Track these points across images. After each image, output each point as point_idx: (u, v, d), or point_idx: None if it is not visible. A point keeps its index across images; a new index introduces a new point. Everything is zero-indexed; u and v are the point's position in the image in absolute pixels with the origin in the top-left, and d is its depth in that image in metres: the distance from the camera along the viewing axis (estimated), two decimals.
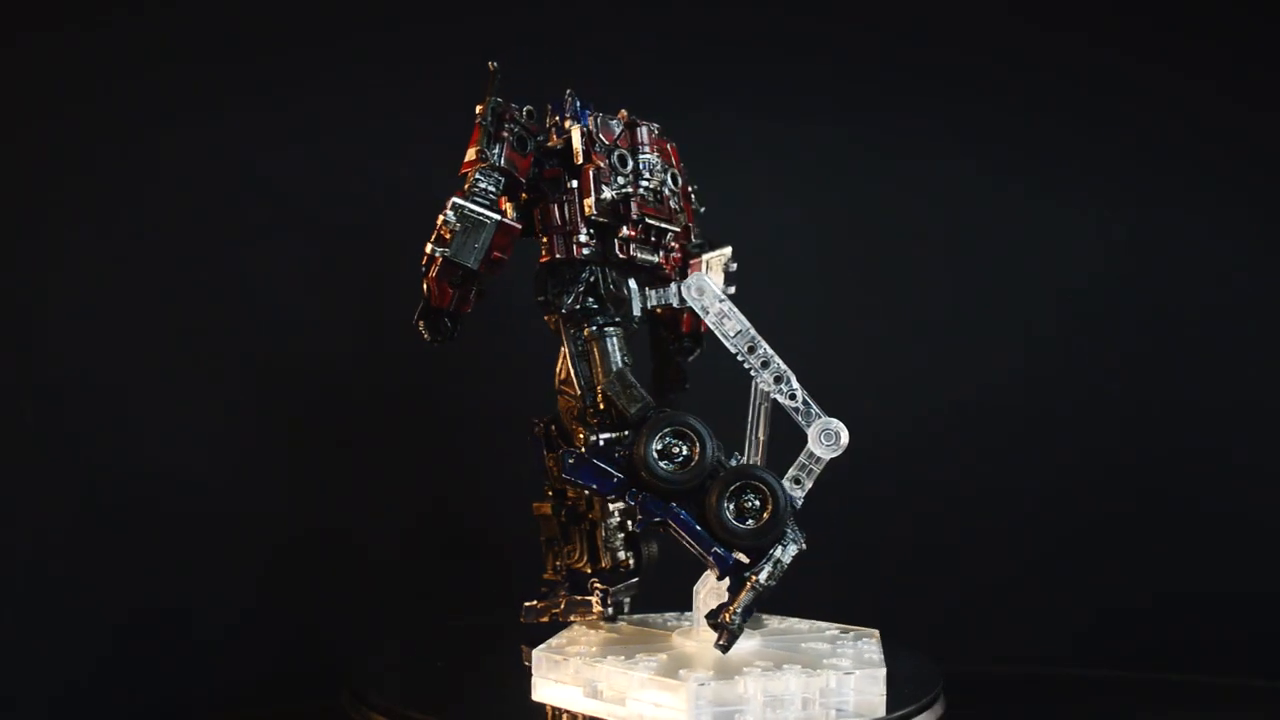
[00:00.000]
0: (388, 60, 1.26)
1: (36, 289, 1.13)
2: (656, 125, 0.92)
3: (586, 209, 0.86)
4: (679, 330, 1.02)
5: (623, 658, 0.81)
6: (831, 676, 0.80)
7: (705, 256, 0.94)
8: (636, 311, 0.92)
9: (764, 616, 0.97)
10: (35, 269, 1.13)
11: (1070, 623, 1.34)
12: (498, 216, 0.82)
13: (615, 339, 0.89)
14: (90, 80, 1.15)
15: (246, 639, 1.20)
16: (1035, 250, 1.38)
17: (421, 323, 0.86)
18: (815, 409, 0.83)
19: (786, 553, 0.81)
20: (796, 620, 0.97)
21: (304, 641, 1.21)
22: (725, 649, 0.80)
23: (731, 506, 0.81)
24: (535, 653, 0.84)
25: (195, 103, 1.19)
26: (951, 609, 1.33)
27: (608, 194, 0.86)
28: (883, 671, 0.83)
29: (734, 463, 0.84)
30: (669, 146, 0.95)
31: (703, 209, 1.01)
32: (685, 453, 0.81)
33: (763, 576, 0.80)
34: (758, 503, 0.81)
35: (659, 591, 0.95)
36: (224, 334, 1.21)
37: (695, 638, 0.88)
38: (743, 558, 0.81)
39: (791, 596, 0.94)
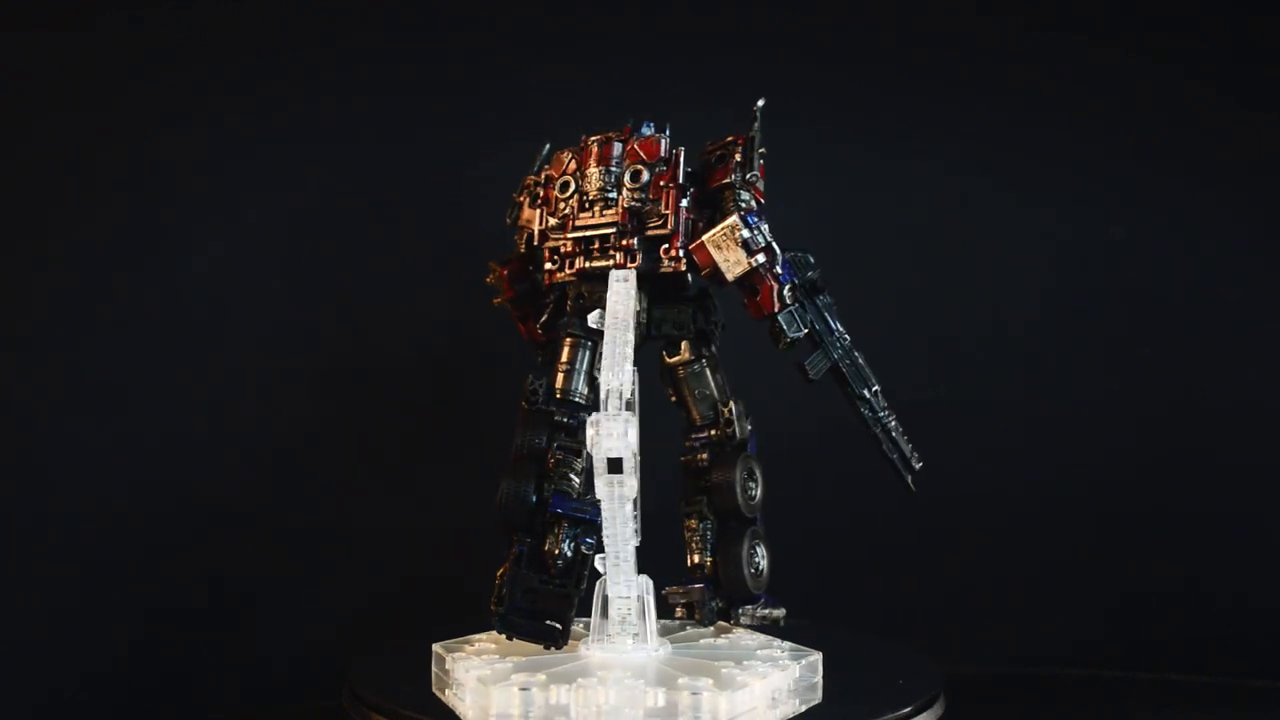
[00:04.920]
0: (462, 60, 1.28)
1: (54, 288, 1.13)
2: (592, 136, 0.91)
3: (536, 240, 0.94)
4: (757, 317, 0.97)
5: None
6: (684, 695, 0.72)
7: (704, 237, 0.93)
8: None
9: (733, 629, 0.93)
10: (58, 266, 1.13)
11: (1070, 623, 1.34)
12: (499, 269, 0.98)
13: (580, 348, 0.91)
14: (92, 80, 1.16)
15: (246, 639, 1.20)
16: (1038, 251, 1.38)
17: None
18: (614, 406, 0.77)
19: (552, 560, 0.82)
20: (749, 635, 0.92)
21: (304, 641, 1.21)
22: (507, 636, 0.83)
23: None
24: (436, 648, 0.86)
25: (213, 100, 1.20)
26: (952, 609, 1.33)
27: (551, 221, 0.92)
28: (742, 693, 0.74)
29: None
30: (631, 145, 0.91)
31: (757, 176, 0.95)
32: None
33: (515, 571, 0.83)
34: None
35: None
36: (234, 336, 1.21)
37: (603, 646, 0.83)
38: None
39: (792, 596, 0.94)
